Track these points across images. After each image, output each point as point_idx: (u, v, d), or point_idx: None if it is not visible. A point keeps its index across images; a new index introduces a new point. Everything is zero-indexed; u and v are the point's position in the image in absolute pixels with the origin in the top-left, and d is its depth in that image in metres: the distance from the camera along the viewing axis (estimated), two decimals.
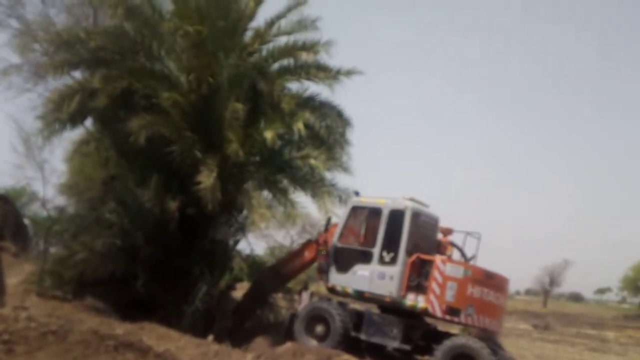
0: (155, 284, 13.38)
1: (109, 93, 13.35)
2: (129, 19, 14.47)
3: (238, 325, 14.83)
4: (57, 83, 15.76)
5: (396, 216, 12.42)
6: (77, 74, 15.64)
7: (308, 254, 14.02)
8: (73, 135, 15.77)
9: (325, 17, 15.22)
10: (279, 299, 17.12)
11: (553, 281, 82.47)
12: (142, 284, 13.31)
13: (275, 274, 14.83)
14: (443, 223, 13.27)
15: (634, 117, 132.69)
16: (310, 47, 14.75)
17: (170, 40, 14.33)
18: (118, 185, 14.33)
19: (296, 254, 14.97)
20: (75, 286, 13.43)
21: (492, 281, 12.19)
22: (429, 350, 11.94)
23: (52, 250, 16.81)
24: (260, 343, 12.56)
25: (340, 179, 15.76)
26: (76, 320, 9.16)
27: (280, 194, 14.95)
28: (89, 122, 15.71)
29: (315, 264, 14.05)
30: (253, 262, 17.02)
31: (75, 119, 14.68)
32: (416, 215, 12.50)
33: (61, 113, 14.02)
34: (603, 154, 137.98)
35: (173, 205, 13.41)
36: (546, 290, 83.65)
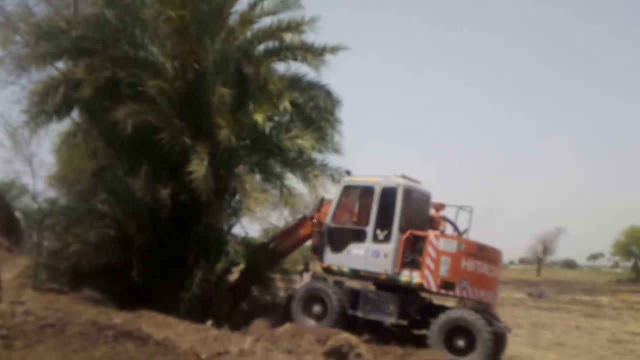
0: (150, 272, 13.39)
1: (94, 83, 13.19)
2: (109, 7, 14.23)
3: (235, 305, 14.91)
4: (41, 75, 15.60)
5: (388, 194, 12.47)
6: (61, 65, 15.47)
7: (303, 231, 14.08)
8: (60, 127, 15.67)
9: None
10: (277, 280, 17.21)
11: (546, 249, 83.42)
12: (137, 273, 13.32)
13: (269, 251, 14.85)
14: (435, 198, 13.37)
15: (622, 89, 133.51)
16: (295, 26, 14.62)
17: (153, 26, 14.10)
18: (108, 176, 14.26)
19: (290, 230, 15.02)
20: (71, 278, 13.38)
21: (485, 254, 12.31)
22: (425, 325, 12.10)
23: (46, 243, 16.77)
24: (258, 325, 12.63)
25: (332, 158, 15.77)
26: (74, 312, 9.17)
27: (275, 178, 14.89)
28: (75, 114, 15.59)
29: (309, 242, 14.15)
30: (248, 245, 17.04)
31: (60, 111, 14.54)
32: (408, 192, 12.55)
33: (46, 105, 13.88)
34: (594, 126, 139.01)
35: (164, 193, 13.36)
36: (540, 258, 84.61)
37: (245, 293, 15.64)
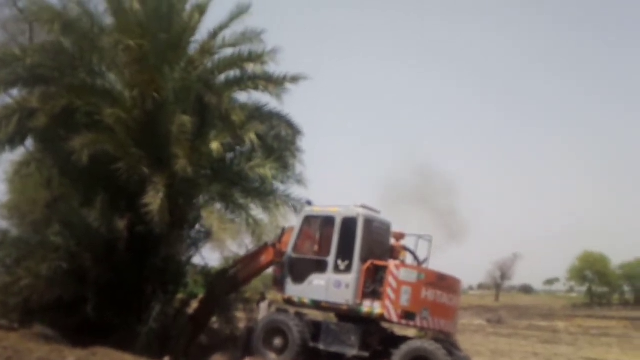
0: (106, 306, 13.01)
1: (49, 112, 12.92)
2: (66, 34, 14.03)
3: (193, 337, 14.56)
4: None
5: (349, 224, 12.50)
6: (15, 93, 15.10)
7: (264, 258, 13.90)
8: (13, 156, 15.21)
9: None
10: (238, 311, 16.94)
11: (504, 275, 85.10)
12: (92, 307, 12.91)
13: (229, 278, 14.60)
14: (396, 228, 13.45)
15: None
16: (256, 57, 14.70)
17: (112, 55, 13.96)
18: (62, 206, 13.91)
19: (251, 257, 14.78)
20: (22, 314, 12.92)
21: (444, 283, 12.41)
22: (387, 356, 12.04)
23: None
24: None
25: (295, 189, 15.77)
26: (24, 350, 8.87)
27: (239, 208, 14.72)
28: (29, 143, 15.16)
29: (270, 270, 13.96)
30: (208, 274, 16.75)
31: (14, 140, 14.13)
32: (369, 221, 12.61)
33: None
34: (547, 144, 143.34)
35: (121, 224, 13.14)
36: (498, 284, 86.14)
37: (204, 324, 15.33)
